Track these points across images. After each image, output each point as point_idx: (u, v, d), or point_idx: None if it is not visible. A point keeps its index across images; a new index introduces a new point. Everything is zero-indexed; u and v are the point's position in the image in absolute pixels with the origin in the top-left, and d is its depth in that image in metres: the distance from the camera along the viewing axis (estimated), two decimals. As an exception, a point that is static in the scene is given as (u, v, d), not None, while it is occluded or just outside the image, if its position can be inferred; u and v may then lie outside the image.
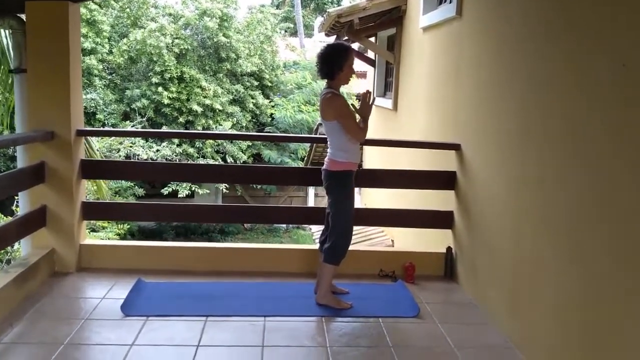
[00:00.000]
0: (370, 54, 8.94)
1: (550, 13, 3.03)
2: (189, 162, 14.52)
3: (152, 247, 4.41)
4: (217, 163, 14.15)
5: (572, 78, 2.76)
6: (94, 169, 4.39)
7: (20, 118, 4.02)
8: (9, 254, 8.08)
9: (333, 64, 3.56)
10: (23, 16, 3.89)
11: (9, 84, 5.02)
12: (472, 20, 4.24)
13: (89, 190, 11.86)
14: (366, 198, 8.31)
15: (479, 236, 3.89)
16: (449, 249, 4.35)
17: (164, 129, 14.67)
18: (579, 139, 2.67)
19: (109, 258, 4.24)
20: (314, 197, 17.34)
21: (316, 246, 4.10)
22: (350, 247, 3.74)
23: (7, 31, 4.67)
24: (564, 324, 2.76)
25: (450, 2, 4.74)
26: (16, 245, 6.98)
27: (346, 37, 7.40)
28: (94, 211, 4.41)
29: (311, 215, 4.81)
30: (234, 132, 14.91)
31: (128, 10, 15.48)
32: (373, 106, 3.75)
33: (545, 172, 2.98)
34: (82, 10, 14.22)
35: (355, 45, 9.02)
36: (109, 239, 11.85)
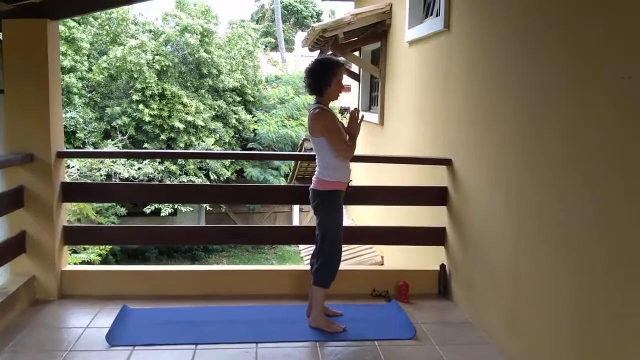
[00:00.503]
0: (355, 68, 8.90)
1: (541, 24, 2.98)
2: (171, 179, 14.33)
3: (137, 272, 4.26)
4: (202, 183, 13.93)
5: (567, 89, 2.71)
6: (75, 192, 4.23)
7: (-2, 141, 3.86)
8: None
9: (321, 79, 3.46)
10: (0, 35, 3.75)
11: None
12: (460, 34, 4.19)
13: (69, 210, 11.62)
14: (353, 214, 8.21)
15: (473, 253, 3.81)
16: (442, 266, 4.26)
17: (146, 146, 14.47)
18: (575, 150, 2.62)
19: (92, 284, 4.09)
20: (299, 212, 17.22)
21: (306, 267, 3.98)
22: (341, 267, 3.63)
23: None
24: (564, 339, 2.68)
25: (437, 16, 4.70)
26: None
27: (330, 52, 7.34)
28: (76, 236, 4.25)
29: (299, 235, 4.69)
30: (215, 151, 14.74)
31: (107, 27, 15.32)
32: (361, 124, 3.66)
33: (542, 184, 2.91)
34: (61, 27, 14.02)
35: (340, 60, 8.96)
36: (90, 260, 11.61)
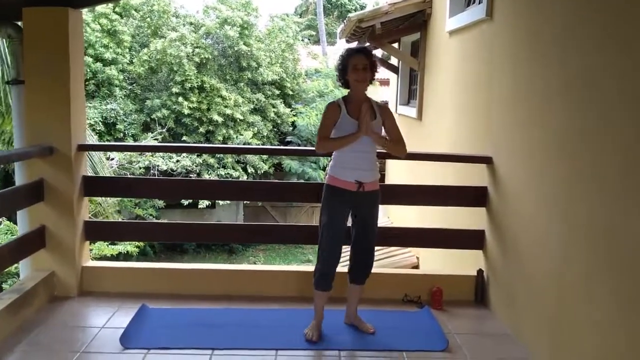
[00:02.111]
0: (394, 61, 8.62)
1: (591, 13, 2.67)
2: (209, 173, 14.32)
3: (159, 270, 4.13)
4: (232, 179, 13.71)
5: (621, 84, 2.40)
6: (97, 187, 4.11)
7: (19, 132, 3.78)
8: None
9: (339, 71, 3.28)
10: (21, 23, 3.65)
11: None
12: (504, 22, 3.88)
13: (109, 202, 11.73)
14: (389, 213, 7.94)
15: (515, 259, 3.51)
16: (479, 271, 3.97)
17: (184, 139, 14.52)
18: (630, 152, 2.31)
19: (113, 281, 3.96)
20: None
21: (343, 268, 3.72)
22: (372, 269, 3.41)
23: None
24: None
25: (480, 3, 4.39)
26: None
27: (367, 44, 7.08)
28: (97, 231, 4.13)
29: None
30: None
31: (149, 19, 15.41)
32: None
33: (594, 188, 2.60)
34: (103, 20, 14.17)
35: (378, 52, 8.70)
36: (127, 251, 11.69)
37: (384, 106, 3.35)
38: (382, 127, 3.32)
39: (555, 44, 3.07)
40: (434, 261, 5.59)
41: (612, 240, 2.44)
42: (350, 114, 3.21)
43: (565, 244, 2.87)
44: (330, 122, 3.24)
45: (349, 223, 3.39)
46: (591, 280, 2.61)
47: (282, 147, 14.34)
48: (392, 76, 9.12)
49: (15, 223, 9.26)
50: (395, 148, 3.40)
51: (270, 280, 4.03)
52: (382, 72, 13.27)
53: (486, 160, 3.91)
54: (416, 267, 6.14)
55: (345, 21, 6.87)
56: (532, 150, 3.30)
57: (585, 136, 2.70)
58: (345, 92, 3.38)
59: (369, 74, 3.23)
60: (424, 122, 6.44)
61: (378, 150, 3.36)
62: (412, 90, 7.80)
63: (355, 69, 3.19)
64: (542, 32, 3.25)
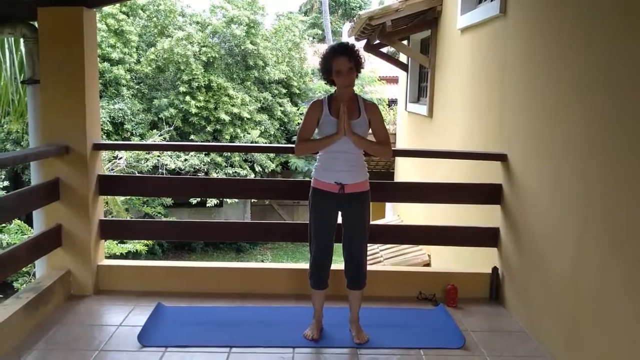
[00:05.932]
0: (403, 58, 8.61)
1: (605, 7, 2.66)
2: (217, 172, 14.33)
3: (173, 268, 4.15)
4: (239, 178, 13.59)
5: (632, 80, 2.39)
6: (112, 185, 4.12)
7: (34, 132, 3.79)
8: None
9: (323, 73, 3.20)
10: (36, 23, 3.66)
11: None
12: (518, 19, 3.87)
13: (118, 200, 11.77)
14: (400, 211, 7.93)
15: (530, 256, 3.50)
16: (494, 269, 3.96)
17: (192, 138, 14.53)
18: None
19: (128, 279, 3.98)
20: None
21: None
22: (385, 267, 3.40)
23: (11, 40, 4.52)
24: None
25: (492, 0, 4.38)
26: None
27: (377, 41, 7.08)
28: (112, 230, 4.14)
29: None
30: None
31: (155, 19, 15.42)
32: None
33: (612, 185, 2.59)
34: (110, 20, 14.20)
35: (385, 49, 8.69)
36: (136, 250, 11.72)
37: (371, 104, 3.22)
38: (369, 126, 3.19)
39: (570, 39, 3.05)
40: (445, 259, 5.58)
41: (630, 237, 2.43)
42: (333, 113, 3.12)
43: (582, 241, 2.86)
44: (311, 122, 3.17)
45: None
46: (608, 278, 2.60)
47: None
48: (401, 73, 9.11)
49: (26, 222, 9.34)
50: (377, 150, 3.22)
51: (284, 278, 4.03)
52: (390, 70, 13.23)
53: (501, 158, 3.90)
54: (427, 264, 6.13)
55: (355, 19, 6.86)
56: (548, 147, 3.29)
57: (602, 132, 2.69)
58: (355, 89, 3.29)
59: (354, 75, 3.10)
60: (435, 120, 6.44)
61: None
62: (422, 88, 7.79)
63: (340, 73, 3.06)
64: (557, 28, 3.24)
